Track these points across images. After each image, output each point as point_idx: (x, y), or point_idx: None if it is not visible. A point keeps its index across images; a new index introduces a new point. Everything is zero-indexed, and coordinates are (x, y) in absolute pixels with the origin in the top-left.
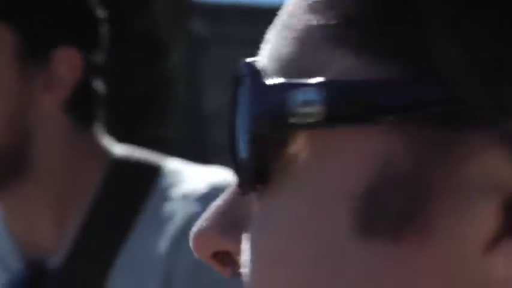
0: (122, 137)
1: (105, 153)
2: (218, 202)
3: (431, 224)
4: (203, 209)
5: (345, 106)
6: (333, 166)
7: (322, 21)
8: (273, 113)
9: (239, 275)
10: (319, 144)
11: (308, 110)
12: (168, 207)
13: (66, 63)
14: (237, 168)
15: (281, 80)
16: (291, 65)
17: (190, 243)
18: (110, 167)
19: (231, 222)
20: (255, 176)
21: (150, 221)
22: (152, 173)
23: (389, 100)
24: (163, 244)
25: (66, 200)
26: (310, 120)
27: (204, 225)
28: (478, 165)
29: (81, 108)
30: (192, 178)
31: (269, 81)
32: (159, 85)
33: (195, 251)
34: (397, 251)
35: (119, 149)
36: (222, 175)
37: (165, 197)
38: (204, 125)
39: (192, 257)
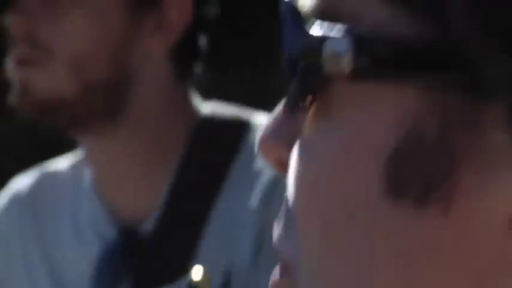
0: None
1: (195, 110)
2: (275, 114)
3: (456, 192)
4: None
5: (375, 59)
6: (364, 121)
7: None
8: (308, 57)
9: None
10: (354, 96)
11: (340, 60)
12: (257, 162)
13: (177, 7)
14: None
15: (318, 26)
16: (330, 12)
17: (256, 150)
18: (198, 124)
19: (288, 133)
20: (297, 108)
21: (239, 178)
22: (240, 128)
23: (420, 60)
24: (253, 200)
25: (157, 157)
26: (340, 71)
27: (267, 131)
28: (502, 134)
29: (184, 59)
30: None
31: (307, 26)
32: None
33: (262, 157)
34: (423, 216)
35: (207, 106)
36: None
37: (253, 153)
38: None
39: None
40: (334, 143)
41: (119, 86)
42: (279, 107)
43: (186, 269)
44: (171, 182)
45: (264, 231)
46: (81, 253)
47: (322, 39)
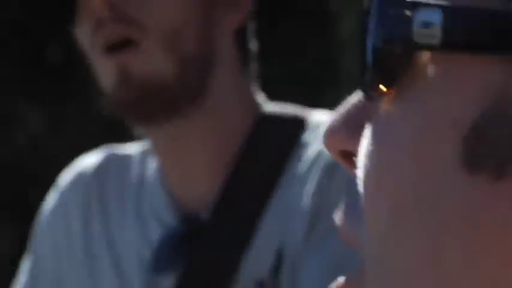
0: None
1: (258, 103)
2: (347, 104)
3: None
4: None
5: (462, 32)
6: (448, 92)
7: None
8: (397, 30)
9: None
10: (439, 68)
11: (428, 31)
12: (312, 156)
13: None
14: (364, 75)
15: None
16: None
17: (322, 140)
18: (260, 118)
19: (356, 124)
20: (378, 83)
21: (296, 172)
22: (298, 126)
23: (505, 32)
24: (309, 188)
25: (221, 146)
26: (430, 42)
27: (334, 124)
28: None
29: (246, 46)
30: None
31: None
32: (330, 55)
33: (326, 148)
34: (499, 189)
35: (268, 104)
36: None
37: (308, 149)
38: None
39: (335, 197)
40: (414, 118)
41: (206, 65)
42: (347, 101)
43: (240, 259)
44: (230, 172)
45: (318, 214)
46: (141, 238)
47: (415, 6)
